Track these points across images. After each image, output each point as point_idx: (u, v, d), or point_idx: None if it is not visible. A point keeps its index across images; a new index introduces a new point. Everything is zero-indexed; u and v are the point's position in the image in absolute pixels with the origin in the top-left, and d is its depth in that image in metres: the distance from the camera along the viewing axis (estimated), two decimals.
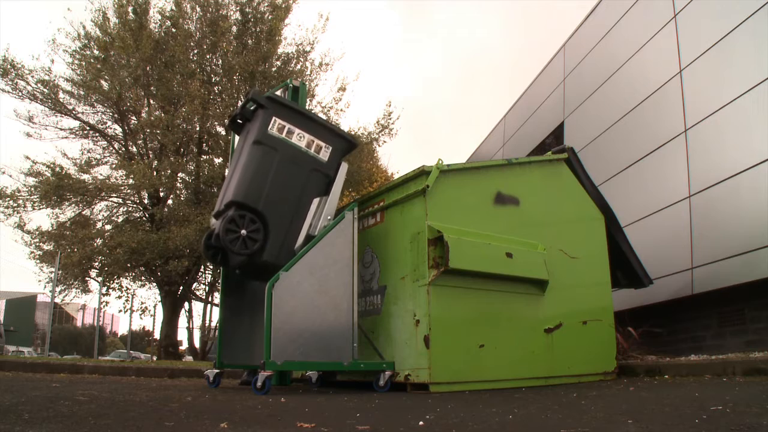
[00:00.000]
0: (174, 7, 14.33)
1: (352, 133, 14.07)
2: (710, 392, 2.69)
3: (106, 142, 15.57)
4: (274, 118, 3.47)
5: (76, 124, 14.98)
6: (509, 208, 3.84)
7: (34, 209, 13.92)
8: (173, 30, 14.28)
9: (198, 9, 14.66)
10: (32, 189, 13.66)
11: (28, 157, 13.77)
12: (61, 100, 14.14)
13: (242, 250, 3.26)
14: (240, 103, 3.81)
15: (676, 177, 5.93)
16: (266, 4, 15.04)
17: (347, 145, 3.75)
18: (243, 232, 3.26)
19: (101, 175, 14.74)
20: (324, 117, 12.52)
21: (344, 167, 3.68)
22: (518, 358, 3.62)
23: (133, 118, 15.11)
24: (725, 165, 5.25)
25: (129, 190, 14.45)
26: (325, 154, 3.59)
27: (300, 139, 3.50)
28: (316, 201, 3.53)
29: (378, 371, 3.41)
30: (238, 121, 3.77)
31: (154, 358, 19.28)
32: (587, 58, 8.68)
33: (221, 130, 15.23)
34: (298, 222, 3.46)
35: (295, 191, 3.46)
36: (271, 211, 3.36)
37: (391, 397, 2.97)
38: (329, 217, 3.52)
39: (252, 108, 3.61)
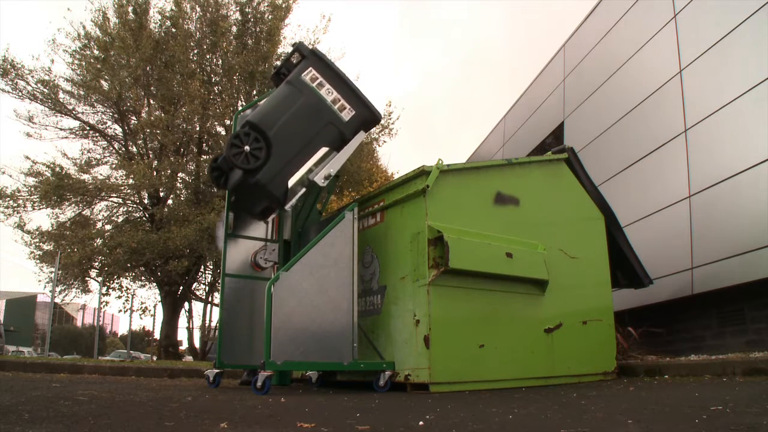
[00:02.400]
0: (174, 7, 14.33)
1: None
2: (710, 392, 2.69)
3: (106, 142, 15.58)
4: (310, 68, 3.69)
5: (76, 124, 15.00)
6: (509, 208, 3.84)
7: (34, 209, 13.94)
8: (173, 30, 14.29)
9: (198, 9, 14.66)
10: (32, 189, 13.67)
11: (28, 157, 13.79)
12: (61, 100, 14.15)
13: (244, 164, 3.40)
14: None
15: (676, 177, 5.93)
16: (266, 4, 15.04)
17: (370, 115, 3.80)
18: (246, 147, 3.42)
19: (101, 175, 14.76)
20: None
21: (361, 135, 3.79)
22: (518, 358, 3.62)
23: (133, 118, 15.12)
24: (725, 165, 5.25)
25: (129, 190, 14.46)
26: (346, 115, 3.69)
27: (328, 93, 3.66)
28: (324, 150, 3.65)
29: (378, 371, 3.40)
30: (282, 76, 3.90)
31: (154, 358, 19.27)
32: (587, 58, 8.68)
33: (221, 130, 15.24)
34: (301, 160, 3.58)
35: (307, 134, 3.59)
36: (279, 140, 3.50)
37: (391, 397, 2.97)
38: (332, 171, 3.64)
39: (295, 61, 3.82)
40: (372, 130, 16.38)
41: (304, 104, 3.59)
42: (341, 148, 3.70)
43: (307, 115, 3.59)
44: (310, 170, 3.61)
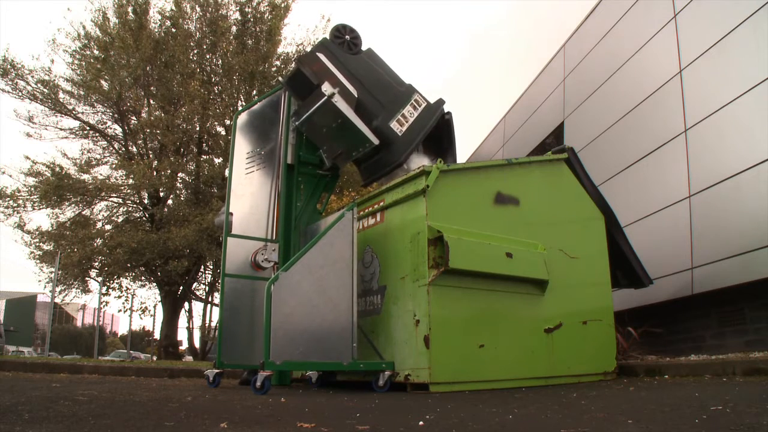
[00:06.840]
0: (174, 7, 14.34)
1: None
2: (710, 392, 2.69)
3: (106, 142, 15.59)
4: (425, 106, 4.44)
5: (76, 124, 15.02)
6: (509, 208, 3.84)
7: (34, 209, 13.95)
8: (173, 30, 14.30)
9: (198, 9, 14.67)
10: (32, 189, 13.69)
11: (28, 157, 13.81)
12: (61, 100, 14.16)
13: (340, 47, 4.29)
14: None
15: (676, 177, 5.92)
16: (266, 4, 15.04)
17: (399, 151, 4.17)
18: (347, 37, 4.43)
19: (101, 175, 14.79)
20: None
21: (374, 140, 4.06)
22: (518, 358, 3.62)
23: (133, 118, 15.13)
24: (725, 165, 5.24)
25: (129, 190, 14.47)
26: (394, 125, 4.21)
27: (410, 112, 4.33)
28: (356, 93, 4.10)
29: (378, 371, 3.40)
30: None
31: (154, 358, 19.28)
32: (587, 58, 8.68)
33: (221, 130, 15.24)
34: (347, 75, 4.17)
35: (368, 80, 4.29)
36: (360, 62, 4.39)
37: (391, 397, 2.97)
38: (336, 96, 3.90)
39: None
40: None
41: (393, 84, 4.39)
42: (358, 115, 4.03)
43: (386, 85, 4.35)
44: (335, 83, 3.97)
